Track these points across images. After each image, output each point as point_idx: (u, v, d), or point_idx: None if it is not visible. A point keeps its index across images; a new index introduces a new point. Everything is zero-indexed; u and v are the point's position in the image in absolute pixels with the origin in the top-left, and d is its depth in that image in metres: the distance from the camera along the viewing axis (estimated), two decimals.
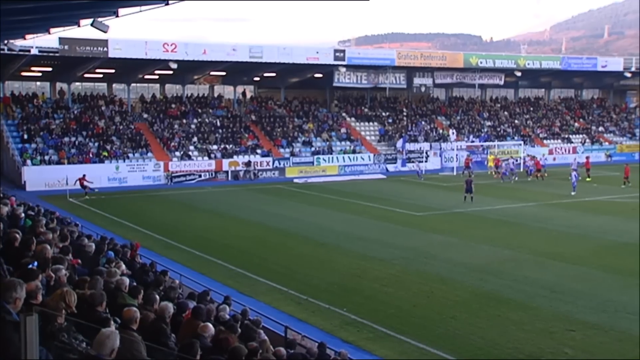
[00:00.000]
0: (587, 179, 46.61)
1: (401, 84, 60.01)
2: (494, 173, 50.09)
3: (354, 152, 55.42)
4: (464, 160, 52.49)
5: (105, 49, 44.97)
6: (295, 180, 48.23)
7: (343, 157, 54.16)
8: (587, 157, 52.19)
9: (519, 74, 65.42)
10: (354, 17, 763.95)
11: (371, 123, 62.08)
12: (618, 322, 16.98)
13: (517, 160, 52.11)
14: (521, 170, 50.80)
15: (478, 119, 66.99)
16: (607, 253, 24.72)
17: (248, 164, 49.92)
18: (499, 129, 65.39)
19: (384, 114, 63.82)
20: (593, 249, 25.40)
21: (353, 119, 61.96)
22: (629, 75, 70.53)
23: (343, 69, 55.93)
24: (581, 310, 17.88)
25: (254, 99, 61.94)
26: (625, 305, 18.21)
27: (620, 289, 19.90)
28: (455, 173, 51.58)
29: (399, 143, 56.66)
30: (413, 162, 53.05)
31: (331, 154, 54.39)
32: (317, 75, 58.71)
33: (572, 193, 39.73)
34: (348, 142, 57.16)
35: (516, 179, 47.51)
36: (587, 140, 67.71)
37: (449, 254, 24.42)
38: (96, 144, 48.14)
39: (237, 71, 55.26)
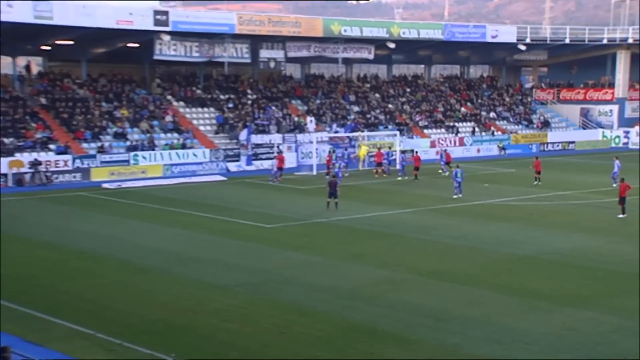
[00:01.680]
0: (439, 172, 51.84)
1: (244, 58, 60.19)
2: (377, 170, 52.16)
3: (183, 147, 54.92)
4: (326, 157, 53.44)
5: None
6: (105, 185, 47.13)
7: (169, 154, 53.48)
8: (445, 150, 55.92)
9: (392, 45, 67.76)
10: None
11: (206, 109, 61.81)
12: (515, 354, 17.98)
13: (391, 155, 53.98)
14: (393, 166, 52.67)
15: (343, 103, 68.71)
16: (502, 269, 26.18)
17: (37, 164, 48.05)
18: (369, 116, 67.45)
19: (222, 97, 63.76)
20: (485, 265, 26.79)
21: (182, 103, 61.40)
22: (523, 48, 75.29)
23: (166, 37, 55.16)
24: (472, 342, 18.75)
25: (43, 76, 59.64)
26: (523, 333, 19.34)
27: (518, 313, 21.12)
28: (315, 172, 52.51)
29: (243, 135, 56.81)
30: (273, 159, 53.21)
31: (153, 149, 53.59)
32: (131, 45, 57.58)
33: (460, 195, 41.70)
34: (176, 134, 56.56)
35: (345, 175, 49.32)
36: (476, 128, 71.53)
37: (309, 277, 24.79)
38: None
39: (16, 36, 52.86)
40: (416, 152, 55.00)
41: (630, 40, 76.86)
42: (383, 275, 25.10)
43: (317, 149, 56.18)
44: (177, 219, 35.53)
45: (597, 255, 28.14)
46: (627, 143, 75.79)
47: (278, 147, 56.27)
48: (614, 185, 43.41)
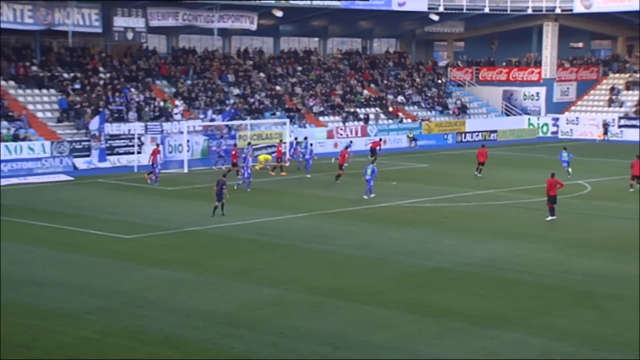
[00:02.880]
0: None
1: (93, 27, 59.26)
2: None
3: (15, 138, 53.79)
4: (231, 152, 51.56)
5: None
6: None
7: None
8: (380, 139, 56.66)
9: (279, 13, 67.87)
10: None
11: (45, 91, 60.79)
12: None
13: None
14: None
15: (220, 85, 68.50)
16: (412, 284, 26.57)
17: None
18: (252, 100, 67.44)
19: (66, 75, 62.74)
20: (392, 280, 27.15)
21: (12, 83, 60.17)
22: (435, 18, 76.69)
23: None
24: None
25: None
26: None
27: (432, 337, 21.48)
28: (186, 170, 52.14)
29: (94, 123, 55.91)
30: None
31: None
32: None
33: (367, 196, 42.12)
34: (5, 123, 55.31)
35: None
36: (382, 115, 72.43)
37: (179, 299, 24.62)
38: None
39: None
40: (346, 146, 53.50)
41: (558, 10, 78.70)
42: (270, 295, 25.13)
43: (188, 141, 55.77)
44: (7, 231, 34.60)
45: (522, 266, 28.86)
46: (556, 132, 77.96)
47: (139, 138, 55.54)
48: (569, 176, 46.86)
